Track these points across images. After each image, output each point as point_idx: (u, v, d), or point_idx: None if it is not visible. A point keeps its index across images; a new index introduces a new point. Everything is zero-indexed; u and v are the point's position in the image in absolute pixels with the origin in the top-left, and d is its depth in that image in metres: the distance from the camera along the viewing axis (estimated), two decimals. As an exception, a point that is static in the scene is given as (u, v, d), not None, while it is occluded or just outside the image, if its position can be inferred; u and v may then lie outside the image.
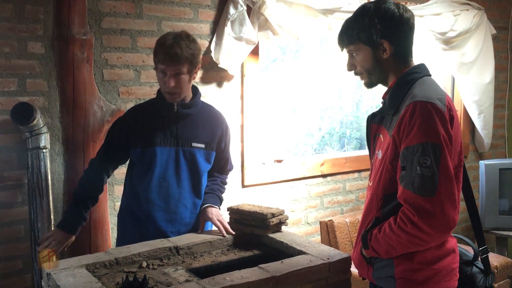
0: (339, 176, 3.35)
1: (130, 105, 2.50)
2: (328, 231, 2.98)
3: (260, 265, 1.72)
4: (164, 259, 1.90)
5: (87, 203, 2.08)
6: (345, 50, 1.69)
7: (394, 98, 1.58)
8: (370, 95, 4.72)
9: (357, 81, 4.09)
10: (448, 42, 3.65)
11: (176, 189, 2.11)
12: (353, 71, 1.70)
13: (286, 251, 1.95)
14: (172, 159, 2.09)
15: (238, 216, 2.15)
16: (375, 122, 1.70)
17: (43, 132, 2.20)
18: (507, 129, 4.42)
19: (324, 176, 3.26)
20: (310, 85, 3.76)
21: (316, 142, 5.51)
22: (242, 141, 2.89)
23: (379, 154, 1.61)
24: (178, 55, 1.96)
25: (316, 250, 1.88)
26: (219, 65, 2.68)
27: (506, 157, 4.41)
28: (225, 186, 2.34)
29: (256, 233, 2.08)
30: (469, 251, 1.75)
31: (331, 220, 2.98)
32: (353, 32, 1.61)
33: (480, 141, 4.08)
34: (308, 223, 3.23)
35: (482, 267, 1.69)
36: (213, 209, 2.15)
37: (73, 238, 2.05)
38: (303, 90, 3.72)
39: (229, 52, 2.68)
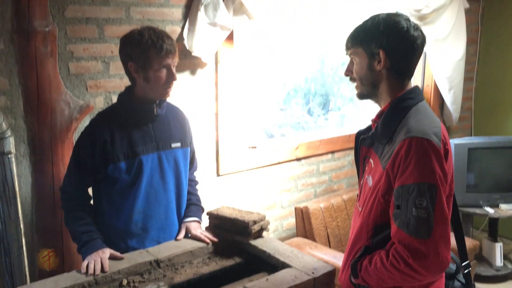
0: (313, 159, 3.33)
1: (99, 99, 2.35)
2: (303, 218, 2.99)
3: (245, 286, 1.69)
4: (144, 274, 1.84)
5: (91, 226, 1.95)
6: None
7: (387, 126, 1.52)
8: (335, 53, 4.66)
9: (324, 38, 4.03)
10: (423, 18, 3.60)
11: (164, 194, 2.03)
12: (349, 77, 1.64)
13: (269, 261, 1.93)
14: (156, 165, 1.99)
15: (218, 222, 2.10)
16: (365, 145, 1.65)
17: (7, 136, 2.05)
18: (474, 102, 4.48)
19: (298, 159, 3.24)
20: (277, 44, 3.65)
21: (281, 98, 5.46)
22: (216, 130, 2.81)
23: (369, 180, 1.57)
24: (174, 44, 1.89)
25: (299, 261, 1.86)
26: (192, 54, 2.54)
27: (472, 129, 4.51)
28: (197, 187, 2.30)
29: (237, 240, 2.05)
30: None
31: (306, 206, 2.98)
32: (358, 36, 1.55)
33: (449, 115, 4.13)
34: (282, 207, 3.23)
35: (463, 281, 1.72)
36: (197, 224, 2.10)
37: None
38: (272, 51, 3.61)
39: (203, 39, 2.53)
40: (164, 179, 2.02)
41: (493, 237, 3.79)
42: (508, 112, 4.28)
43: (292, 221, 3.27)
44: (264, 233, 2.10)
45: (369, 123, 1.68)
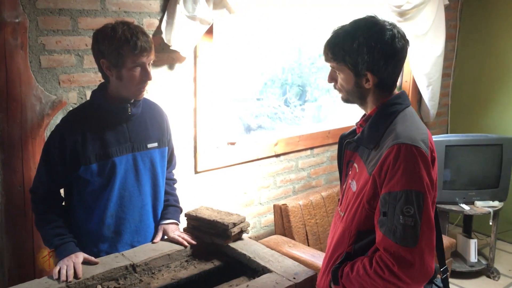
0: (292, 155, 3.29)
1: (72, 94, 2.26)
2: (282, 215, 2.95)
3: (226, 292, 1.65)
4: (120, 280, 1.78)
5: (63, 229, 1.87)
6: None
7: (374, 131, 1.49)
8: (313, 44, 4.62)
9: (301, 28, 3.98)
10: (403, 14, 3.59)
11: (138, 197, 1.95)
12: (332, 84, 1.59)
13: (249, 264, 1.88)
14: (131, 167, 1.91)
15: (197, 223, 2.04)
16: (349, 149, 1.61)
17: (-27, 133, 1.94)
18: (451, 98, 4.51)
19: (277, 155, 3.20)
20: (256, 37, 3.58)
21: (258, 88, 5.40)
22: (195, 126, 2.73)
23: (353, 185, 1.54)
24: (149, 41, 1.80)
25: (280, 266, 1.82)
26: (171, 48, 2.45)
27: (448, 124, 4.54)
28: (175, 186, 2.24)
29: (216, 242, 1.99)
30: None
31: (285, 204, 2.94)
32: (339, 53, 1.48)
33: (426, 111, 4.14)
34: (260, 204, 3.19)
35: (441, 285, 1.71)
36: (175, 226, 2.04)
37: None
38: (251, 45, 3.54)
39: (181, 32, 2.45)
40: (139, 181, 1.94)
41: (468, 234, 3.84)
42: (484, 108, 4.33)
43: (270, 218, 3.24)
44: (244, 235, 2.05)
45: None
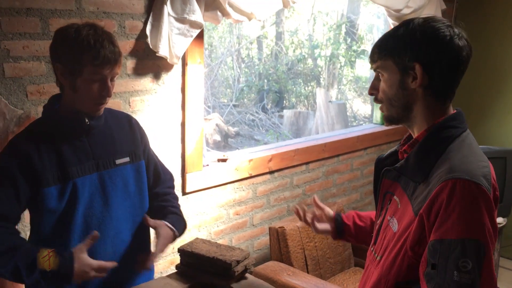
0: (286, 171, 3.02)
1: (42, 108, 1.92)
2: (278, 239, 2.67)
3: None
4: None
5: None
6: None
7: (422, 160, 1.22)
8: (291, 48, 4.41)
9: (275, 33, 3.74)
10: (401, 18, 3.37)
11: (109, 224, 1.64)
12: (373, 96, 1.34)
13: (257, 311, 1.60)
14: (97, 189, 1.61)
15: (192, 260, 1.75)
16: (388, 177, 1.34)
17: None
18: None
19: (271, 172, 2.92)
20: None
21: (234, 95, 5.12)
22: (183, 142, 2.43)
23: (393, 224, 1.27)
24: (116, 52, 1.52)
25: (296, 314, 1.55)
26: (157, 54, 2.15)
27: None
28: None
29: (216, 283, 1.70)
30: None
31: (282, 227, 2.66)
32: (387, 45, 1.25)
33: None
34: (253, 225, 2.90)
35: None
36: (170, 234, 1.71)
37: None
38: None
39: (169, 36, 2.15)
40: (109, 205, 1.64)
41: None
42: (480, 118, 4.16)
43: (263, 240, 2.96)
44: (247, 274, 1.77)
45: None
